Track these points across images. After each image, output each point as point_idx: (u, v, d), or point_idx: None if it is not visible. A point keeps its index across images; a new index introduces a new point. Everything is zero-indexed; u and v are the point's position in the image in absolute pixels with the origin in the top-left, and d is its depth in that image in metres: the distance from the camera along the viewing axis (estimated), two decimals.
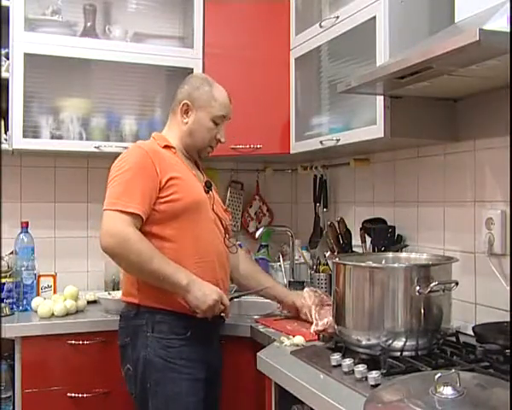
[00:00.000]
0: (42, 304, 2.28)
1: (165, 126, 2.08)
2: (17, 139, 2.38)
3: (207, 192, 1.98)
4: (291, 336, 1.85)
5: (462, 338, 1.71)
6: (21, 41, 2.38)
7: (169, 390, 1.79)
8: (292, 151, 2.60)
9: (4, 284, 2.35)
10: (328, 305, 2.03)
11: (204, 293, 1.79)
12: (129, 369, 1.85)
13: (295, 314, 2.12)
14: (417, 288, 1.54)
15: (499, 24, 1.32)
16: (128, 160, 1.88)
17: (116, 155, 2.62)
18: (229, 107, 2.04)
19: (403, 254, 1.96)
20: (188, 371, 1.82)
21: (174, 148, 1.98)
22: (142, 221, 1.81)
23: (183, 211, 1.85)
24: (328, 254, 2.54)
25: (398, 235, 2.26)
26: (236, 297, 2.11)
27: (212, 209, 1.97)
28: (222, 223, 2.01)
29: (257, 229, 2.93)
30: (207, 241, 1.91)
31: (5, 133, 2.43)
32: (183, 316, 1.83)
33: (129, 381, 1.87)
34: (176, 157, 1.96)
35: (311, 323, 1.94)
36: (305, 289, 2.15)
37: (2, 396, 2.17)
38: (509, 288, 1.75)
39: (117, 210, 1.78)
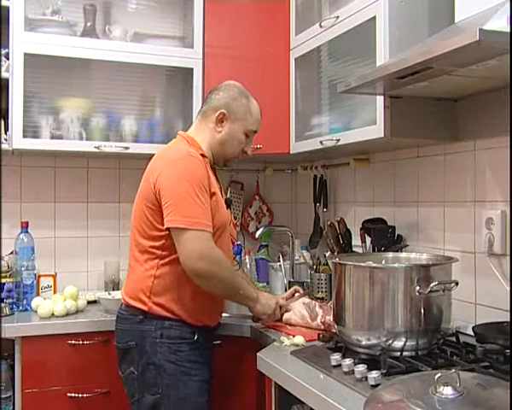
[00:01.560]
0: (42, 304, 2.28)
1: (193, 127, 2.06)
2: (17, 139, 2.38)
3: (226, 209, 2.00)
4: (291, 336, 1.85)
5: (462, 338, 1.71)
6: (21, 41, 2.37)
7: (181, 393, 1.81)
8: (292, 151, 2.61)
9: (4, 284, 2.35)
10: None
11: (267, 301, 1.99)
12: (132, 372, 1.85)
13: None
14: (417, 288, 1.54)
15: (499, 24, 1.32)
16: (195, 174, 1.82)
17: (116, 156, 2.66)
18: (260, 122, 2.06)
19: (403, 254, 1.96)
20: (196, 373, 1.84)
21: (206, 157, 1.95)
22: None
23: (214, 230, 1.85)
24: (328, 254, 2.55)
25: (398, 235, 2.26)
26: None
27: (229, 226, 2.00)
28: (233, 239, 2.07)
29: (257, 229, 2.93)
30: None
31: (5, 133, 2.42)
32: (188, 322, 1.85)
33: (130, 384, 1.87)
34: (208, 168, 1.93)
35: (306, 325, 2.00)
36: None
37: (2, 396, 2.18)
38: (509, 288, 1.75)
39: (199, 230, 1.76)
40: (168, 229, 1.79)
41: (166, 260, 1.83)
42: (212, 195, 1.86)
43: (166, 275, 1.84)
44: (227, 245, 1.97)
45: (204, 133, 1.99)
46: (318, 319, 1.98)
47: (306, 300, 2.10)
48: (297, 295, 2.13)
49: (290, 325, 2.03)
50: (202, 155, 1.92)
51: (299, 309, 2.05)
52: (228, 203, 2.03)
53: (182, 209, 1.77)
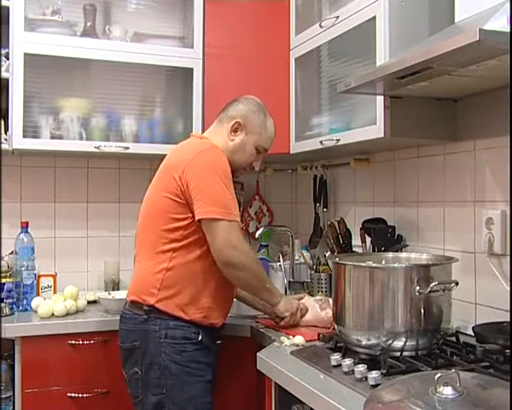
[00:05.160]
0: (42, 304, 2.28)
1: (207, 132, 2.07)
2: (17, 139, 2.38)
3: None
4: (291, 336, 1.85)
5: (462, 338, 1.71)
6: (21, 41, 2.37)
7: (185, 393, 1.81)
8: (292, 151, 2.60)
9: (4, 284, 2.35)
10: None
11: (290, 300, 2.02)
12: (137, 372, 1.85)
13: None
14: (417, 288, 1.54)
15: (499, 24, 1.32)
16: (222, 165, 1.86)
17: (116, 156, 2.66)
18: (272, 142, 2.08)
19: (403, 254, 1.97)
20: (201, 374, 1.84)
21: None
22: None
23: None
24: (328, 254, 2.55)
25: (398, 235, 2.26)
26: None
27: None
28: None
29: (257, 229, 2.93)
30: None
31: (5, 133, 2.42)
32: (193, 322, 1.85)
33: (135, 384, 1.86)
34: None
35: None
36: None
37: (2, 396, 2.17)
38: (509, 288, 1.75)
39: (231, 220, 1.79)
40: (199, 220, 1.80)
41: (180, 252, 1.83)
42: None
43: (179, 268, 1.83)
44: None
45: (218, 140, 2.00)
46: (328, 309, 1.98)
47: (318, 297, 2.13)
48: (307, 297, 2.13)
49: (295, 326, 2.02)
50: None
51: (310, 302, 2.06)
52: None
53: (214, 200, 1.80)
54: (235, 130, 2.00)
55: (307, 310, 2.04)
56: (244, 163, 2.03)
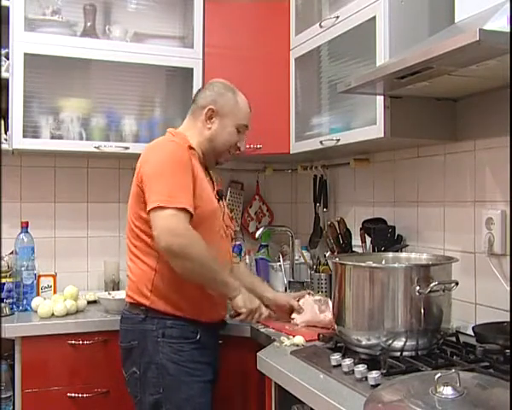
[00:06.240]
0: (42, 304, 2.28)
1: (182, 125, 2.06)
2: (17, 139, 2.38)
3: (218, 201, 1.98)
4: (291, 336, 1.85)
5: (462, 338, 1.71)
6: (21, 41, 2.37)
7: (183, 393, 1.80)
8: (292, 151, 2.61)
9: (4, 284, 2.34)
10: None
11: (251, 297, 1.89)
12: (135, 372, 1.84)
13: (288, 317, 2.09)
14: (417, 288, 1.54)
15: (499, 24, 1.32)
16: (172, 154, 1.83)
17: (116, 156, 2.66)
18: (250, 116, 2.06)
19: (403, 254, 1.97)
20: (199, 374, 1.84)
21: (195, 150, 1.94)
22: (190, 219, 1.77)
23: (200, 218, 1.81)
24: (328, 254, 2.55)
25: (398, 235, 2.26)
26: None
27: (222, 219, 1.98)
28: (230, 232, 2.04)
29: (257, 229, 2.93)
30: (217, 250, 1.87)
31: (5, 133, 2.42)
32: (191, 321, 1.84)
33: (134, 384, 1.86)
34: (195, 160, 1.91)
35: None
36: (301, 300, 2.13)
37: (2, 396, 2.17)
38: (509, 288, 1.75)
39: (174, 207, 1.72)
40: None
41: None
42: (195, 179, 1.83)
43: (167, 268, 1.81)
44: (218, 236, 1.93)
45: (193, 133, 1.98)
46: (327, 312, 1.97)
47: (318, 297, 2.11)
48: (307, 296, 2.12)
49: (293, 324, 2.02)
50: (190, 147, 1.91)
51: (310, 302, 2.05)
52: (220, 195, 2.01)
53: (158, 188, 1.76)
54: (209, 117, 1.97)
55: (269, 316, 1.97)
56: (227, 145, 2.00)
